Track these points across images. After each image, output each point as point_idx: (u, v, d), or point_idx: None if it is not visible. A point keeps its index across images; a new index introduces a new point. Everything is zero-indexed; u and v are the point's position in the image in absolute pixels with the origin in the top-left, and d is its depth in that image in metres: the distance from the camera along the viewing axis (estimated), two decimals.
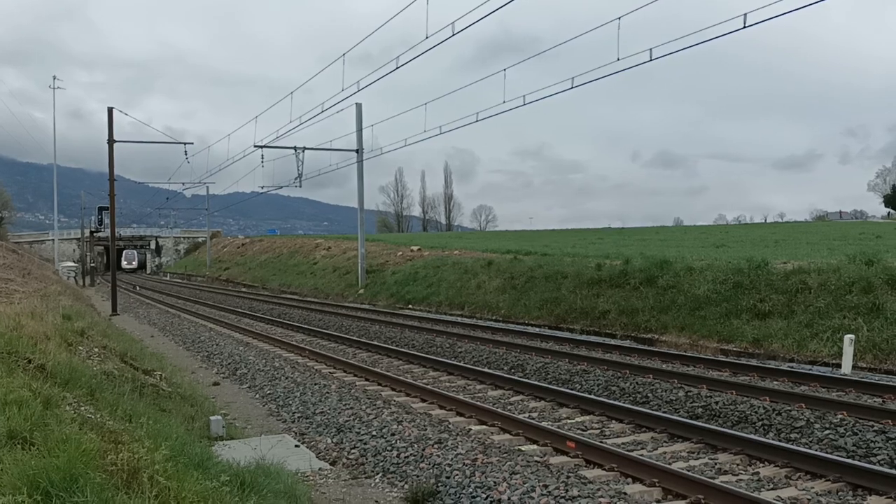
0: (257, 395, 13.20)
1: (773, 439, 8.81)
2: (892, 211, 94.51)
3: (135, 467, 4.51)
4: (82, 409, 6.24)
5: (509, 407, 11.21)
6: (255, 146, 34.76)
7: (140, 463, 4.59)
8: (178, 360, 17.06)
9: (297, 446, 9.25)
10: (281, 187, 38.31)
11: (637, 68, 15.22)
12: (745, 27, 12.89)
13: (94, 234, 78.26)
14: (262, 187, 39.06)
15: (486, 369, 14.29)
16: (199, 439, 7.70)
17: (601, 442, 8.73)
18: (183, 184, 48.46)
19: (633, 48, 15.01)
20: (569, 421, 10.23)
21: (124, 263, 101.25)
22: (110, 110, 32.90)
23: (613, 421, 10.07)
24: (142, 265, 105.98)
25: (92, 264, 73.34)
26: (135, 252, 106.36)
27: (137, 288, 55.56)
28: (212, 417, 9.63)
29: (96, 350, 11.24)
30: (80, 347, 10.80)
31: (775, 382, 11.92)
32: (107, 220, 48.45)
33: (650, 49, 14.83)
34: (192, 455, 5.84)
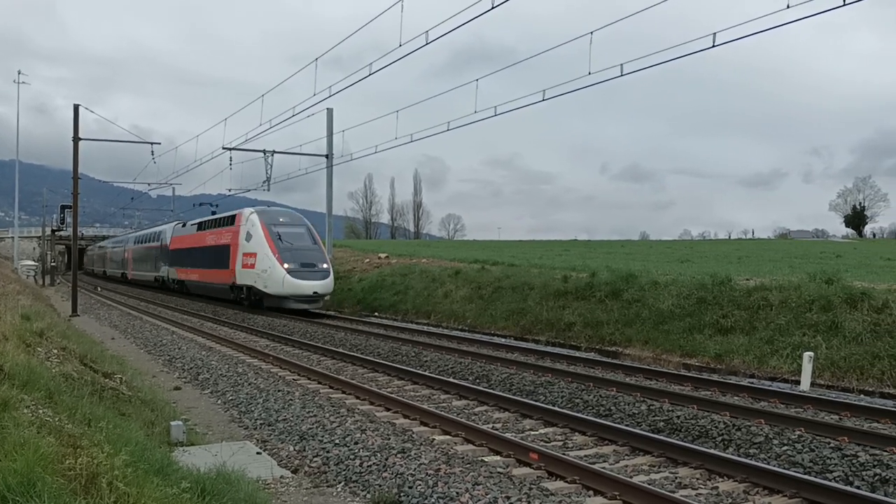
0: (219, 401, 13.04)
1: (732, 454, 8.93)
2: (852, 231, 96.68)
3: (94, 472, 4.44)
4: (41, 412, 6.12)
5: (473, 417, 11.22)
6: (224, 148, 34.42)
7: (99, 468, 4.52)
8: (138, 364, 16.79)
9: (258, 453, 9.15)
10: (248, 190, 37.94)
11: (608, 83, 15.44)
12: (713, 46, 13.14)
13: (56, 233, 76.97)
14: (230, 190, 38.63)
15: (451, 379, 14.29)
16: (159, 445, 7.58)
17: (564, 454, 8.77)
18: (149, 184, 47.54)
19: (604, 63, 15.22)
20: (532, 432, 10.27)
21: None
22: (76, 107, 32.37)
23: (576, 433, 10.13)
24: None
25: (53, 263, 71.86)
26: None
27: (98, 289, 54.63)
28: (172, 423, 9.47)
29: (55, 351, 11.03)
30: (39, 349, 10.60)
31: (736, 398, 12.09)
32: (69, 219, 47.67)
33: (621, 64, 15.06)
34: (152, 461, 5.75)
